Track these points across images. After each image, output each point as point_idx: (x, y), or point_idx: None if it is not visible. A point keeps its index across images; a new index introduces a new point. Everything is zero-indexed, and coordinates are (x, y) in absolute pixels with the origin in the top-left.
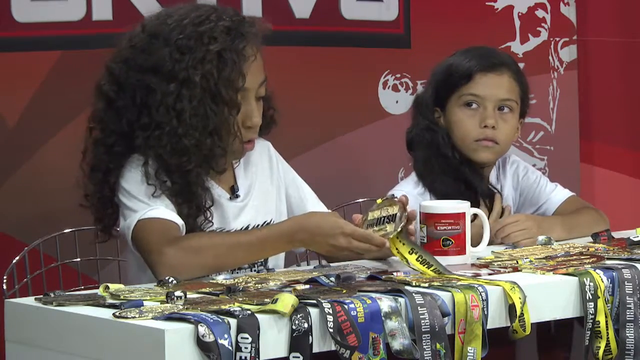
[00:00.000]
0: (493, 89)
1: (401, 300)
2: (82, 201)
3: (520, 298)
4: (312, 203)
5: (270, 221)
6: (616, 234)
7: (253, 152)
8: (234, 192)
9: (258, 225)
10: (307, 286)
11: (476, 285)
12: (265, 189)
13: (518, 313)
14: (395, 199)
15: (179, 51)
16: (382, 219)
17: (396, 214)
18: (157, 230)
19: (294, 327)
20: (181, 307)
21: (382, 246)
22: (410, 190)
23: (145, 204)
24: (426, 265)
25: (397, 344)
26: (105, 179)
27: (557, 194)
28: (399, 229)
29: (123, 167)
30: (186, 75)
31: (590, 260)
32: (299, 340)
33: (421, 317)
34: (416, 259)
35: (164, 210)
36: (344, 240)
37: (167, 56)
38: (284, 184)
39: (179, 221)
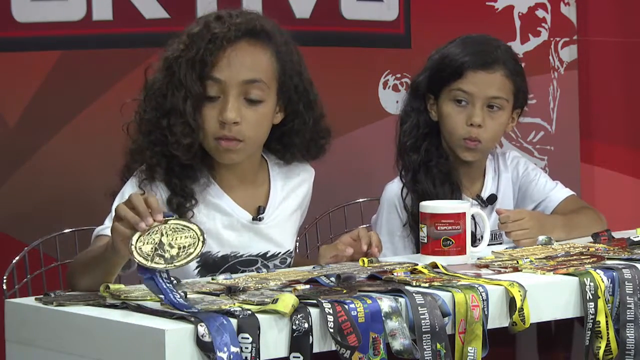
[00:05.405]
0: (483, 87)
1: (401, 300)
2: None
3: (520, 292)
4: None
5: (287, 253)
6: (616, 234)
7: (296, 174)
8: (258, 213)
9: (277, 254)
10: (308, 286)
11: (476, 285)
12: (290, 215)
13: (518, 306)
14: None
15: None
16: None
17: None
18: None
19: (294, 327)
20: None
21: None
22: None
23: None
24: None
25: (397, 344)
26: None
27: (557, 192)
28: None
29: None
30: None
31: (591, 260)
32: (299, 340)
33: (421, 317)
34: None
35: None
36: None
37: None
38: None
39: None
